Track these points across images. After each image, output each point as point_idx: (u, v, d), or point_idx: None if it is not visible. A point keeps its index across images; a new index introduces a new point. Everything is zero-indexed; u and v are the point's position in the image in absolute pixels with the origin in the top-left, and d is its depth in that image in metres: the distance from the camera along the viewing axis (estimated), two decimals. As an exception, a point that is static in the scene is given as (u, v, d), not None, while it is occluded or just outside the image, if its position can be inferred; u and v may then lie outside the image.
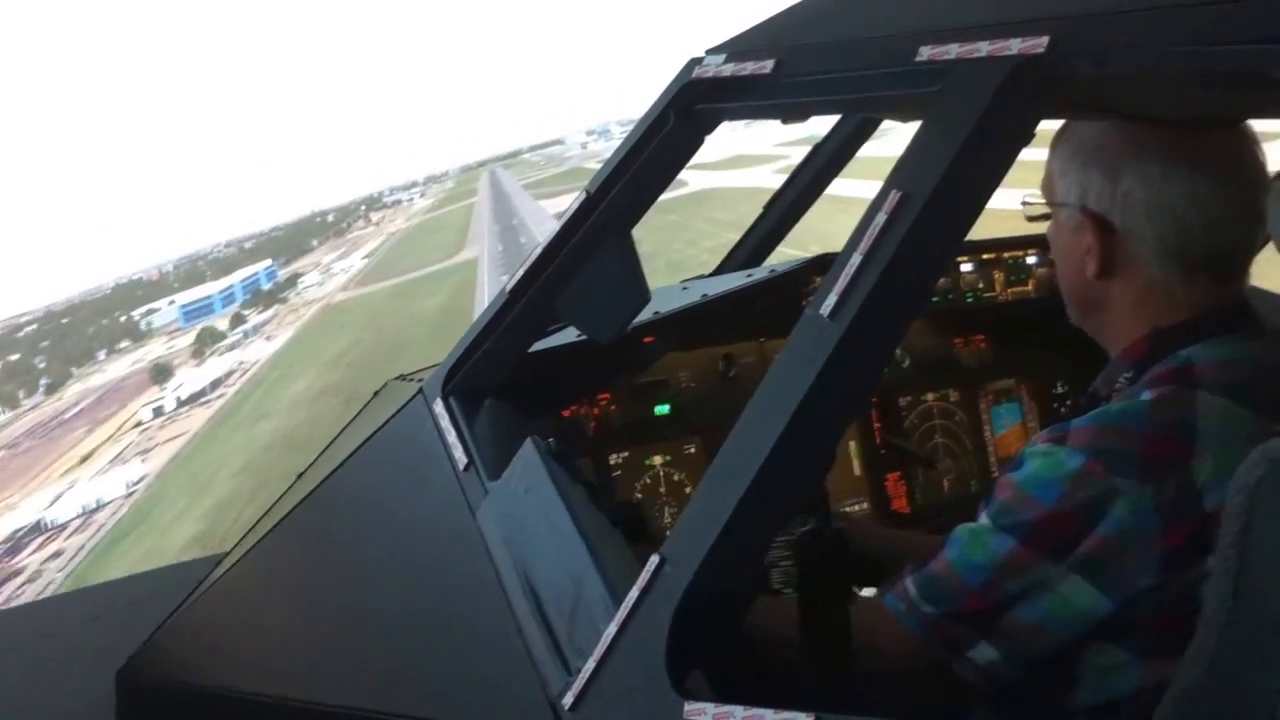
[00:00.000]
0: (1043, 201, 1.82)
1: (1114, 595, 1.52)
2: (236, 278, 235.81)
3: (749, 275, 3.32)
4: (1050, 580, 1.54)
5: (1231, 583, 1.24)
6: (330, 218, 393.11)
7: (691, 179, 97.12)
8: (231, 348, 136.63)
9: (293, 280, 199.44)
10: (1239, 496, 1.23)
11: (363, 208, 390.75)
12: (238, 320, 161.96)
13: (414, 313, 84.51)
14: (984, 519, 1.62)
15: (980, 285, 3.56)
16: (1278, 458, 1.20)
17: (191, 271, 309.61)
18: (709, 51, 1.99)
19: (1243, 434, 1.51)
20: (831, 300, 1.48)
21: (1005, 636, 1.58)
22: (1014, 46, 1.42)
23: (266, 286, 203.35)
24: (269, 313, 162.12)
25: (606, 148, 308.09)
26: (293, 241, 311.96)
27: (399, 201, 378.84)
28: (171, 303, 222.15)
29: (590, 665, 1.61)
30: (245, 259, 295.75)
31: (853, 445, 3.44)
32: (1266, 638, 1.22)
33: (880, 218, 1.47)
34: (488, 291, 63.54)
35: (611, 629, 1.59)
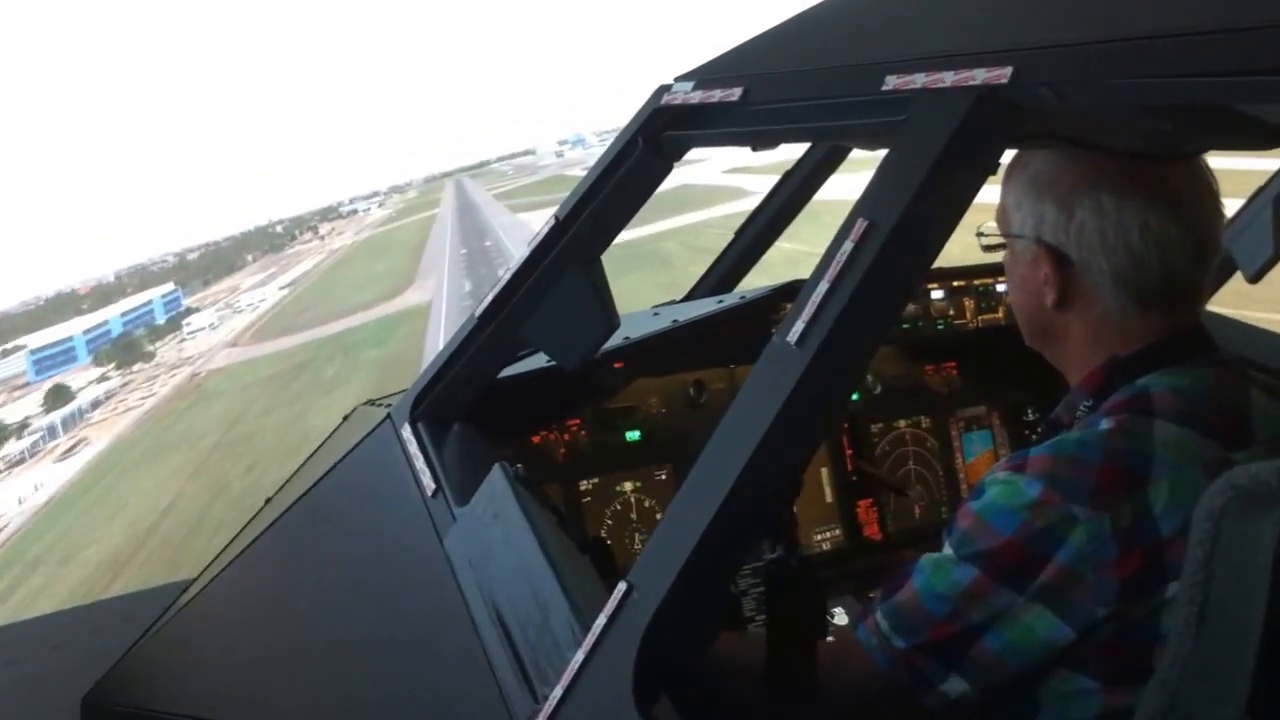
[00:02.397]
0: (998, 233, 1.83)
1: (1074, 623, 1.52)
2: (116, 309, 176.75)
3: (720, 301, 3.33)
4: (1013, 609, 1.55)
5: (1196, 609, 1.25)
6: (279, 228, 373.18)
7: (755, 186, 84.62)
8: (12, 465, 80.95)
9: (189, 316, 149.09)
10: (1204, 523, 1.24)
11: (316, 219, 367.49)
12: (56, 398, 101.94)
13: (295, 430, 44.79)
14: (947, 548, 1.63)
15: (951, 312, 3.58)
16: (1241, 485, 1.21)
17: (114, 287, 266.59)
18: (677, 79, 2.00)
19: (1198, 461, 1.54)
20: (798, 327, 1.49)
21: (973, 667, 1.58)
22: (978, 76, 1.43)
23: (139, 332, 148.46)
24: (115, 382, 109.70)
25: (585, 155, 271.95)
26: (225, 257, 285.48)
27: (355, 212, 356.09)
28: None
29: (557, 693, 1.60)
30: (162, 277, 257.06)
31: (825, 472, 3.44)
32: (1231, 664, 1.22)
33: (847, 246, 1.47)
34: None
35: (579, 656, 1.58)
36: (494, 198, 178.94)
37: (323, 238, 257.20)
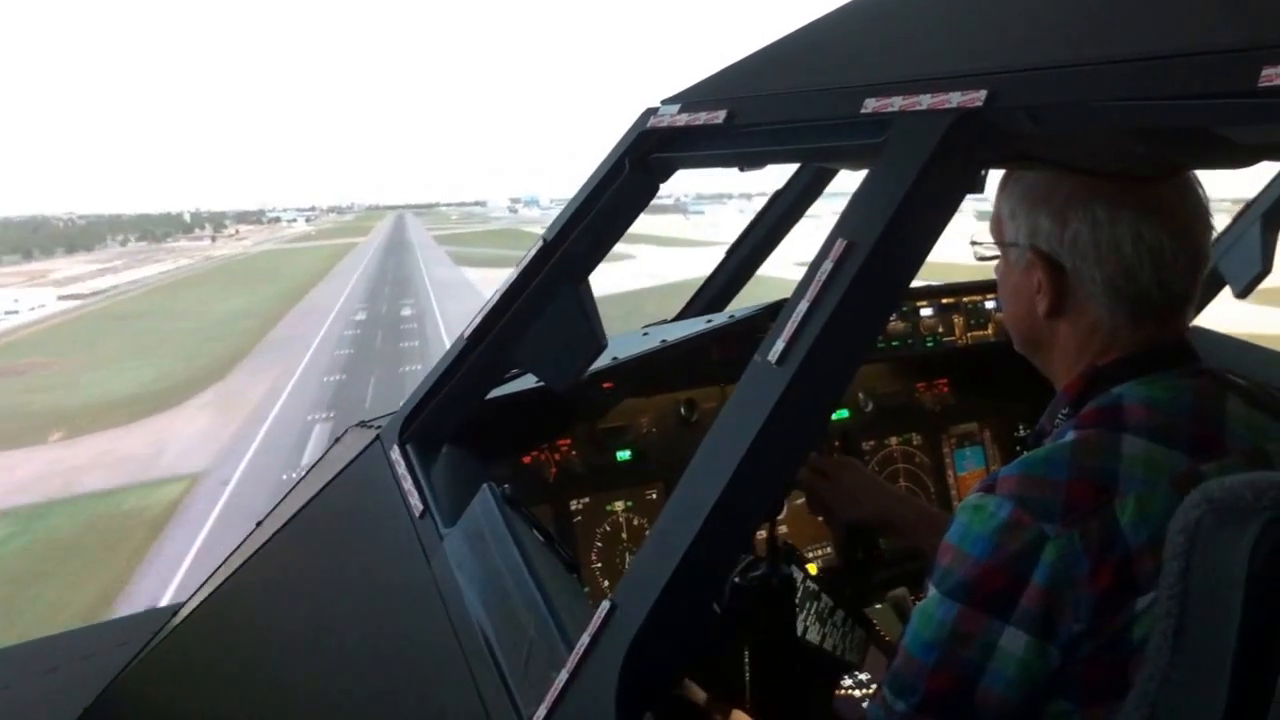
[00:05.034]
0: (992, 242, 1.84)
1: (1059, 644, 1.51)
2: None
3: (709, 320, 3.33)
4: (1002, 641, 1.53)
5: (1173, 623, 1.25)
6: (188, 216, 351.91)
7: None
8: None
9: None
10: (1179, 537, 1.24)
11: (234, 218, 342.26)
12: None
13: None
14: (930, 589, 1.62)
15: (940, 330, 3.60)
16: (1216, 498, 1.22)
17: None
18: (664, 101, 2.02)
19: (1166, 474, 1.53)
20: (779, 346, 1.50)
21: (979, 715, 1.55)
22: (954, 100, 1.45)
23: None
24: None
25: (541, 215, 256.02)
26: (100, 231, 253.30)
27: (278, 220, 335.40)
28: None
29: (541, 712, 1.61)
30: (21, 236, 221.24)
31: None
32: (1208, 677, 1.23)
33: (826, 266, 1.48)
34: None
35: (563, 675, 1.59)
36: (435, 239, 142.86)
37: (213, 239, 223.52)
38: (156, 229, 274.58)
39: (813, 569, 2.23)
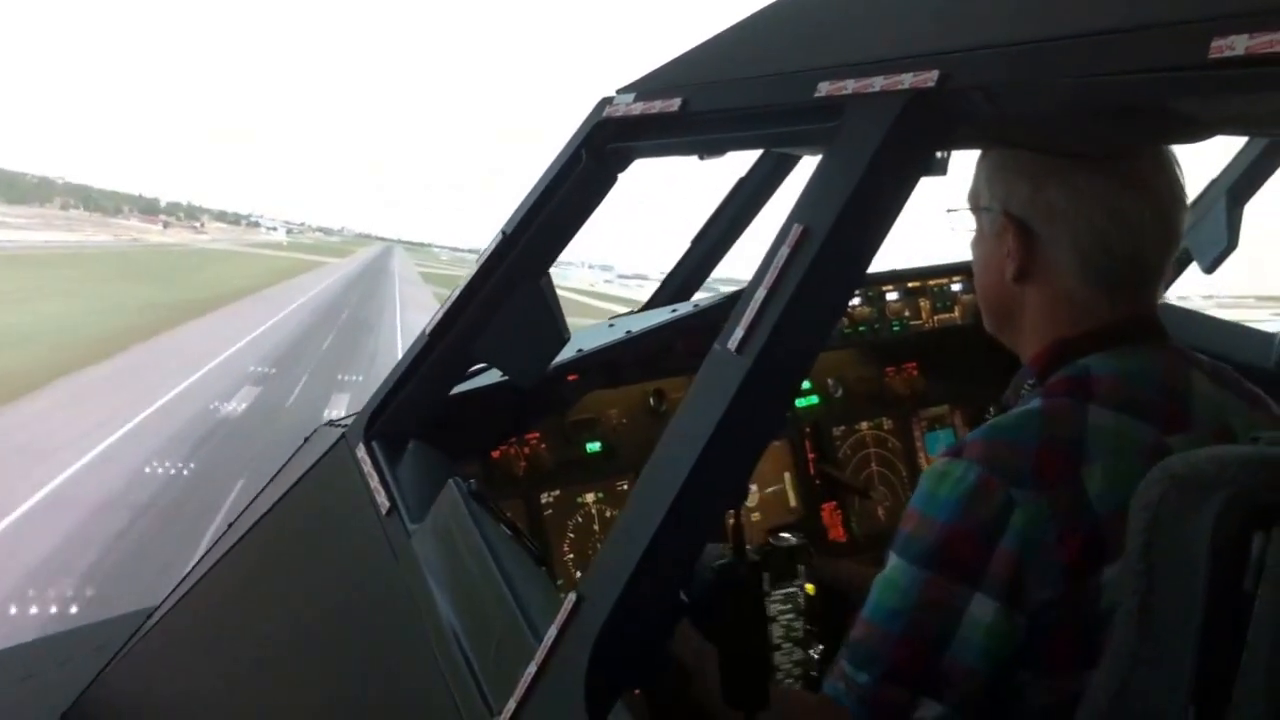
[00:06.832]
0: (968, 208, 1.84)
1: (1027, 612, 1.50)
2: None
3: (674, 310, 3.32)
4: (972, 610, 1.51)
5: (1139, 598, 1.26)
6: (162, 203, 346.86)
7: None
8: None
9: None
10: (1142, 513, 1.24)
11: (203, 215, 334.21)
12: None
13: None
14: (892, 557, 1.60)
15: (907, 313, 3.60)
16: (1178, 473, 1.22)
17: None
18: (619, 90, 2.01)
19: (1133, 445, 1.54)
20: (738, 334, 1.49)
21: (946, 686, 1.53)
22: (906, 81, 1.44)
23: None
24: None
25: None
26: (46, 192, 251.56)
27: (257, 225, 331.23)
28: None
29: (511, 706, 1.60)
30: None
31: (788, 477, 3.44)
32: (1175, 650, 1.23)
33: (783, 252, 1.47)
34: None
35: (531, 669, 1.58)
36: (421, 276, 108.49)
37: (165, 225, 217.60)
38: (110, 203, 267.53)
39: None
